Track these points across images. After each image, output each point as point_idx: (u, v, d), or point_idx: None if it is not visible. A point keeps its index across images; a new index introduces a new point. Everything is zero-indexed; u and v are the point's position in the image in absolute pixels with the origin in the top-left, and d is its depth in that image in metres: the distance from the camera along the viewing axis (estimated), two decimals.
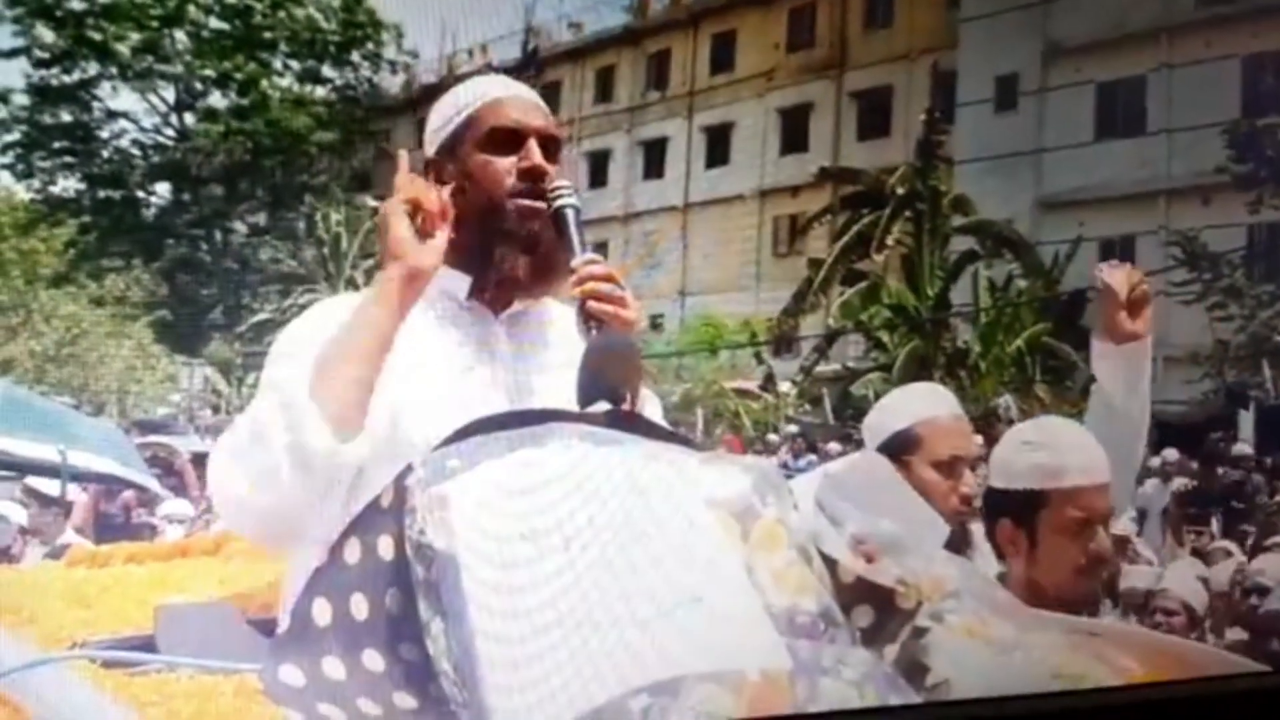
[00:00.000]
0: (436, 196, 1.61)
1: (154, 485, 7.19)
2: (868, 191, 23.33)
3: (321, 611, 1.14)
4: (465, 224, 1.68)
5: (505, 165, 1.68)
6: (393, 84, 33.62)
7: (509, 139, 1.69)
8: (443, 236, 1.60)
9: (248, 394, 22.95)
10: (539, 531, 1.12)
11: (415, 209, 1.60)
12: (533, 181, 1.67)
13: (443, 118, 1.75)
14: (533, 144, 1.69)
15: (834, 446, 14.69)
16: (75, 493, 6.57)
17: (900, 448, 2.39)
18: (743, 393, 22.74)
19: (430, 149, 1.77)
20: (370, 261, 25.91)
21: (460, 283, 1.71)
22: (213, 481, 1.58)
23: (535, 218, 1.67)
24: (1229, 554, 8.28)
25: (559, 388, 1.43)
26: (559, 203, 1.65)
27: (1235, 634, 5.34)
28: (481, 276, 1.70)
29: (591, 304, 1.57)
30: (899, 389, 2.74)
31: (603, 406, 1.36)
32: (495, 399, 1.59)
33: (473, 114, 1.72)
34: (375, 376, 1.51)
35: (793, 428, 18.71)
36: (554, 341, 1.72)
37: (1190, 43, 22.25)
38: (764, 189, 29.09)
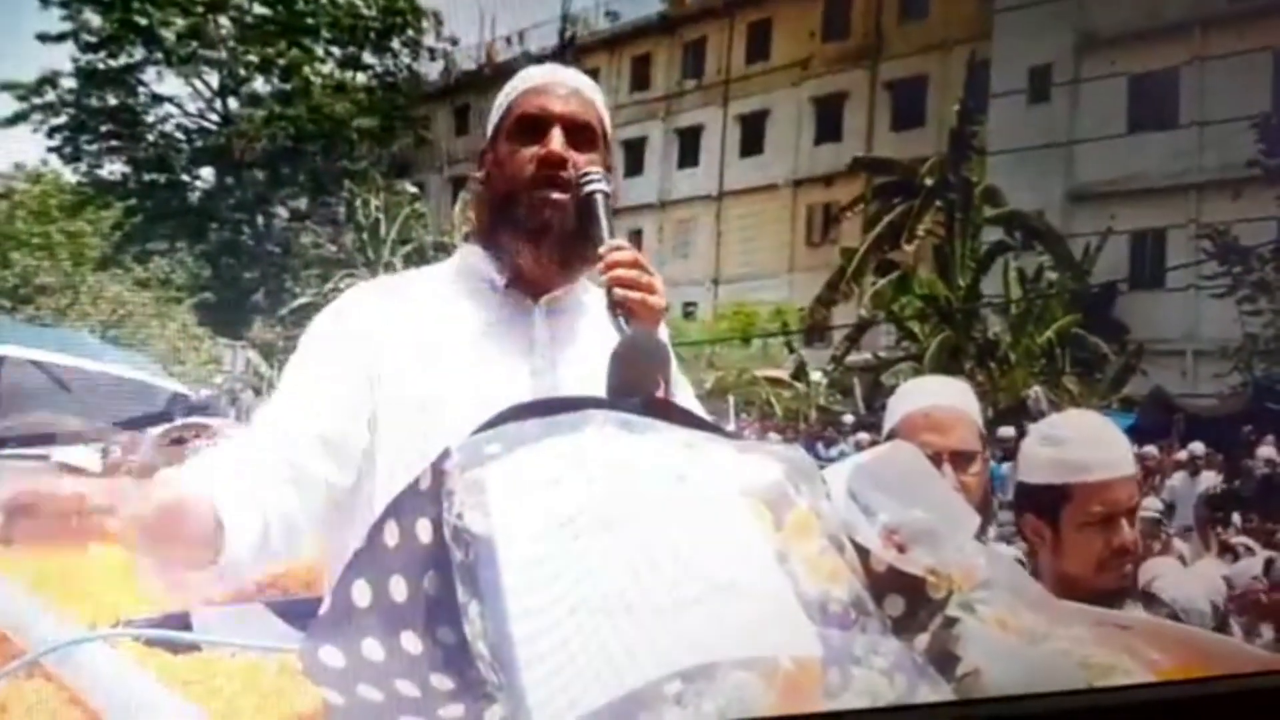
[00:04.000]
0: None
1: (177, 386, 7.07)
2: (901, 181, 23.23)
3: (361, 593, 1.15)
4: (487, 212, 1.73)
5: (528, 154, 1.68)
6: (432, 70, 33.76)
7: (534, 126, 1.69)
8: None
9: None
10: (575, 517, 1.13)
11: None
12: (551, 169, 1.66)
13: (495, 107, 1.77)
14: (555, 132, 1.67)
15: (864, 436, 14.66)
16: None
17: None
18: (774, 381, 22.72)
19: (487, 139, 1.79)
20: (408, 246, 26.10)
21: (497, 267, 1.72)
22: None
23: (550, 207, 1.66)
24: (1250, 550, 8.26)
25: (597, 372, 1.43)
26: (588, 188, 1.64)
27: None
28: (510, 265, 1.71)
29: (618, 291, 1.56)
30: (905, 384, 2.73)
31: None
32: (534, 383, 1.60)
33: (509, 103, 1.73)
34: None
35: (848, 418, 18.68)
36: (591, 327, 1.71)
37: (1223, 36, 22.04)
38: (798, 178, 29.04)
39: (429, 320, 1.68)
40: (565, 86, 1.73)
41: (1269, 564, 7.65)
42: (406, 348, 1.64)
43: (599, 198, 1.64)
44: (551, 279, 1.71)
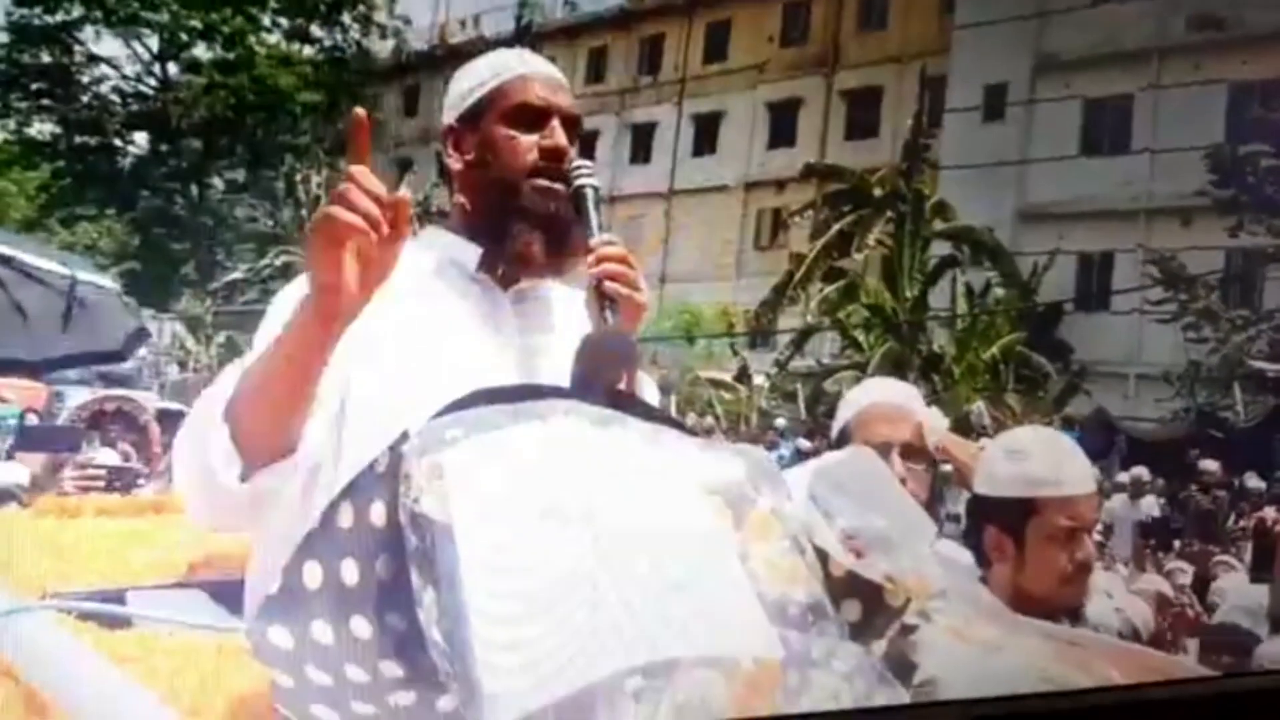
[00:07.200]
0: (394, 204, 1.36)
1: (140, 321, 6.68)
2: (852, 190, 23.35)
3: (312, 575, 1.12)
4: (482, 197, 1.71)
5: (528, 142, 1.68)
6: (383, 49, 33.38)
7: (534, 116, 1.69)
8: (389, 261, 1.39)
9: (217, 352, 22.81)
10: (536, 506, 1.12)
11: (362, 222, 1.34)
12: (554, 161, 1.67)
13: (467, 86, 1.74)
14: (557, 124, 1.69)
15: (804, 442, 14.75)
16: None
17: (841, 442, 2.51)
18: (717, 383, 22.80)
19: (450, 116, 1.75)
20: None
21: (470, 253, 1.70)
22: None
23: (553, 198, 1.66)
24: (1184, 572, 8.49)
25: (563, 365, 1.42)
26: (579, 182, 1.65)
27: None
28: (494, 251, 1.69)
29: (608, 284, 1.57)
30: (852, 389, 2.84)
31: None
32: (500, 371, 1.57)
33: (499, 86, 1.71)
34: (300, 403, 1.42)
35: (780, 421, 18.81)
36: (558, 319, 1.71)
37: (1180, 65, 22.44)
38: (749, 181, 29.19)
39: (399, 293, 1.65)
40: (555, 79, 1.74)
41: (1194, 582, 7.87)
42: (376, 317, 1.60)
43: (589, 191, 1.65)
44: (544, 268, 1.70)
